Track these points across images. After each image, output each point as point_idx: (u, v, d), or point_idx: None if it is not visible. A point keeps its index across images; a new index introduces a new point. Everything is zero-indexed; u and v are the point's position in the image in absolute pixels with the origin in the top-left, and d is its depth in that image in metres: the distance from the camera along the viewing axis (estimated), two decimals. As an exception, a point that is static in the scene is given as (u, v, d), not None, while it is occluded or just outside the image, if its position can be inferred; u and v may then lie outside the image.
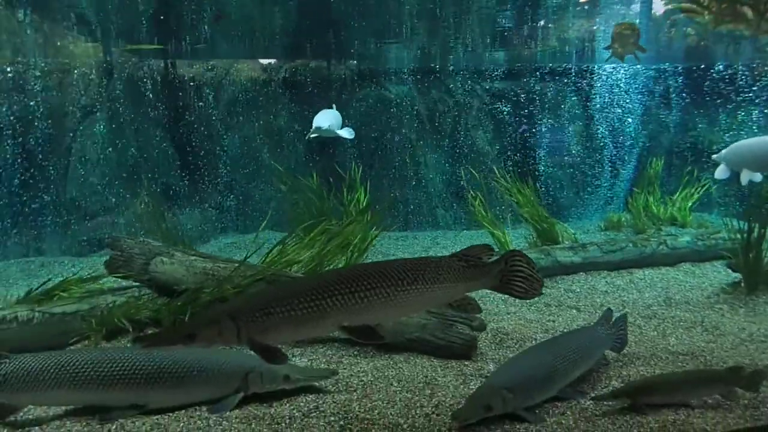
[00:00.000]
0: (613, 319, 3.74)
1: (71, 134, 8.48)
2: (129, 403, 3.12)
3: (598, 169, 11.05)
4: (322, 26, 10.47)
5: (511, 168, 8.92)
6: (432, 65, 11.61)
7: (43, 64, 8.56)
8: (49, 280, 4.58)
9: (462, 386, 3.43)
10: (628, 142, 11.27)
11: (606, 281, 5.96)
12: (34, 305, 4.26)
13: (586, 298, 5.34)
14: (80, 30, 9.32)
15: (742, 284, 5.29)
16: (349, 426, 2.94)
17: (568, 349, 3.30)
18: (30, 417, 3.21)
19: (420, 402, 3.19)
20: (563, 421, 2.97)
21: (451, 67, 11.48)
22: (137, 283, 4.80)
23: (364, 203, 7.63)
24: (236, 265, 4.44)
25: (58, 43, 9.13)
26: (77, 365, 3.07)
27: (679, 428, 2.91)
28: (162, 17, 9.11)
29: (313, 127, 6.90)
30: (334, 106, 7.86)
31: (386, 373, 3.64)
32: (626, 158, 11.27)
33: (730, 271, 5.52)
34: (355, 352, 4.09)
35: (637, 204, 9.31)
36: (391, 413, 3.06)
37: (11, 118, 8.14)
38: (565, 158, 11.01)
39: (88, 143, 8.52)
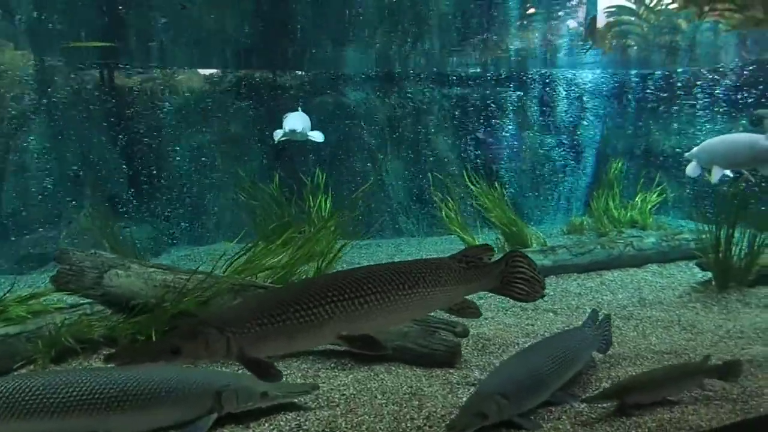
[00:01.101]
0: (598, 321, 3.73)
1: (7, 143, 7.94)
2: (88, 431, 2.84)
3: (558, 174, 11.28)
4: (277, 31, 10.28)
5: (473, 173, 8.98)
6: (391, 70, 11.61)
7: None
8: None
9: (450, 395, 3.32)
10: (586, 147, 11.57)
11: (577, 283, 6.01)
12: (-29, 327, 3.88)
13: (561, 301, 5.35)
14: (12, 33, 8.79)
15: (713, 283, 5.43)
16: (336, 444, 2.77)
17: (559, 352, 3.25)
18: (-30, 453, 2.88)
19: (409, 414, 3.06)
20: (560, 426, 2.91)
21: (411, 72, 11.51)
22: (88, 300, 4.48)
23: (327, 211, 7.48)
24: (199, 276, 4.20)
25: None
26: (27, 391, 2.77)
27: (675, 426, 2.89)
28: (107, 20, 8.71)
29: (286, 130, 6.72)
30: (300, 108, 7.69)
31: (368, 386, 3.49)
32: (585, 162, 11.56)
33: (699, 270, 5.67)
34: (332, 365, 3.92)
35: (598, 207, 9.53)
36: (380, 428, 2.92)
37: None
38: (526, 163, 11.19)
39: (26, 153, 8.00)
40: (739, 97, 10.32)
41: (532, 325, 4.68)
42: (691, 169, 5.41)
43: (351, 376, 3.67)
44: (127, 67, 9.74)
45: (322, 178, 7.72)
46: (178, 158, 9.56)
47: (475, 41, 11.62)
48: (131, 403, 2.87)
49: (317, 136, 7.14)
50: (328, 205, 7.68)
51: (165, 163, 9.49)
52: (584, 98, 11.74)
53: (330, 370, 3.84)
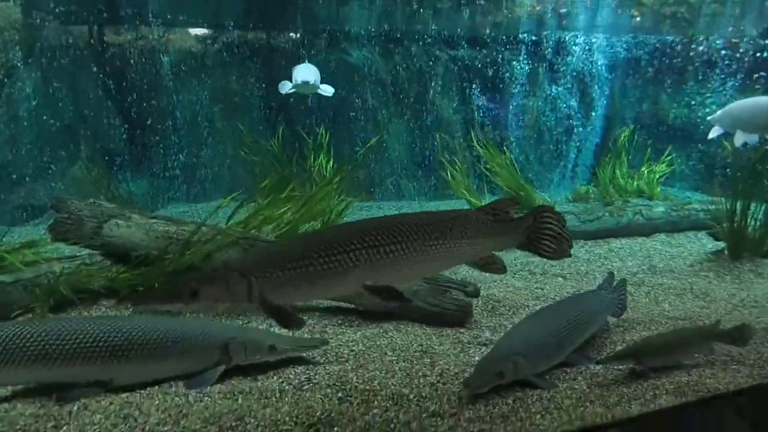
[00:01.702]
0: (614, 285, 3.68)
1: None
2: (91, 379, 2.78)
3: (564, 141, 11.15)
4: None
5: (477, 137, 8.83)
6: (395, 29, 11.31)
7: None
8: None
9: (462, 354, 3.28)
10: (594, 114, 11.41)
11: (585, 250, 5.96)
12: (-35, 273, 3.79)
13: (570, 267, 5.30)
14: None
15: (726, 252, 5.39)
16: (349, 398, 2.73)
17: (575, 313, 3.20)
18: (-31, 399, 2.82)
19: (421, 371, 3.01)
20: (576, 387, 2.87)
21: (416, 32, 11.22)
22: (85, 251, 4.38)
23: (329, 170, 7.36)
24: (203, 228, 4.10)
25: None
26: (27, 337, 2.70)
27: (693, 389, 2.87)
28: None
29: (298, 81, 6.47)
30: (306, 60, 7.46)
31: (378, 342, 3.44)
32: (592, 130, 11.42)
33: (713, 239, 5.63)
34: (339, 322, 3.87)
35: (604, 176, 9.44)
36: (392, 383, 2.87)
37: None
38: (531, 129, 11.04)
39: (17, 103, 7.77)
40: (752, 66, 10.15)
41: (542, 288, 4.64)
42: (714, 133, 5.30)
43: (359, 332, 3.62)
44: (120, 23, 9.41)
45: (326, 136, 7.56)
46: (175, 115, 9.36)
47: (483, 2, 11.34)
48: (136, 353, 2.81)
49: (327, 90, 6.92)
50: (330, 164, 7.55)
51: (162, 120, 9.29)
52: (593, 64, 11.52)
53: (337, 326, 3.79)
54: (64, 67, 8.36)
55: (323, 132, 7.45)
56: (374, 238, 2.07)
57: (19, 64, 7.91)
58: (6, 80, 7.81)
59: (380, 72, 10.84)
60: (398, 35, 11.02)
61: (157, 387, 2.85)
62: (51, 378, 2.75)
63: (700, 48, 11.00)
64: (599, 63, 11.41)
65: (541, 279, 4.93)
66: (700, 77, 10.97)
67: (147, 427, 2.46)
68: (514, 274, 5.05)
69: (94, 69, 8.72)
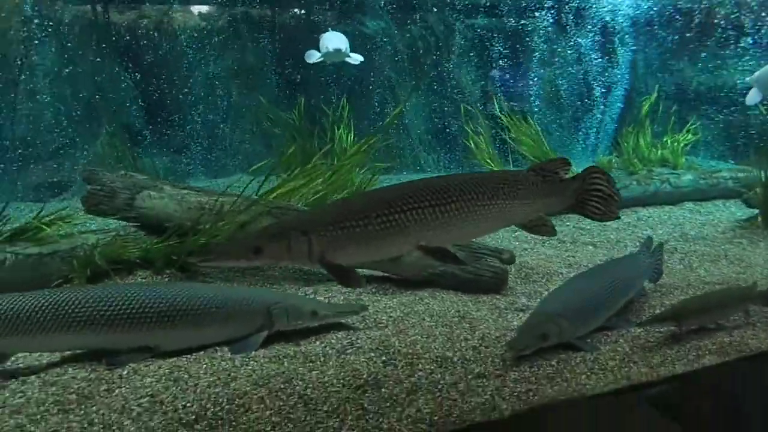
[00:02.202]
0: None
1: (17, 71, 7.74)
2: (138, 345, 2.85)
3: (586, 110, 11.00)
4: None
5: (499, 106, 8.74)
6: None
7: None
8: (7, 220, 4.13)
9: (500, 319, 3.31)
10: (616, 82, 11.23)
11: (614, 218, 5.92)
12: (4, 246, 3.85)
13: (600, 235, 5.29)
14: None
15: (759, 219, 5.34)
16: (393, 361, 2.77)
17: (615, 277, 3.21)
18: (20, 365, 2.90)
19: (462, 335, 3.04)
20: (618, 349, 2.89)
21: (432, 1, 11.05)
22: (117, 223, 4.44)
23: (349, 142, 7.32)
24: (236, 198, 4.13)
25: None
26: (77, 304, 2.75)
27: (736, 349, 2.89)
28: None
29: (329, 49, 6.33)
30: (331, 29, 7.37)
31: (415, 309, 3.48)
32: (614, 98, 11.25)
33: (746, 206, 5.58)
34: (373, 290, 3.91)
35: (627, 145, 9.32)
36: (435, 347, 2.91)
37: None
38: (552, 97, 10.90)
39: (38, 81, 7.80)
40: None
41: (573, 256, 4.64)
42: (751, 96, 5.21)
43: (395, 299, 3.66)
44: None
45: (347, 109, 7.52)
46: (193, 90, 9.35)
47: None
48: (181, 319, 2.86)
49: (356, 58, 6.80)
50: (350, 136, 7.52)
51: (180, 95, 9.29)
52: (615, 30, 11.30)
53: (372, 294, 3.83)
54: (83, 44, 8.37)
55: (344, 104, 7.39)
56: (430, 197, 2.08)
57: (36, 41, 7.92)
58: (25, 58, 7.84)
59: (397, 42, 10.72)
60: (414, 4, 10.87)
61: (202, 352, 2.91)
62: (99, 344, 2.82)
63: (722, 12, 10.74)
64: (621, 30, 11.18)
65: (572, 247, 4.93)
66: (727, 42, 10.73)
67: (198, 389, 2.52)
68: (544, 242, 5.04)
69: (112, 46, 8.71)
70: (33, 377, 2.71)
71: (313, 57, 6.70)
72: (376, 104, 10.26)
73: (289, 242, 1.94)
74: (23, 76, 7.81)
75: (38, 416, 2.37)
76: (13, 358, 2.89)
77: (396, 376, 2.63)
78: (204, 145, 9.40)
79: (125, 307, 2.79)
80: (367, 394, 2.49)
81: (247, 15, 9.94)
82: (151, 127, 8.89)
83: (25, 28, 7.90)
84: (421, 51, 10.74)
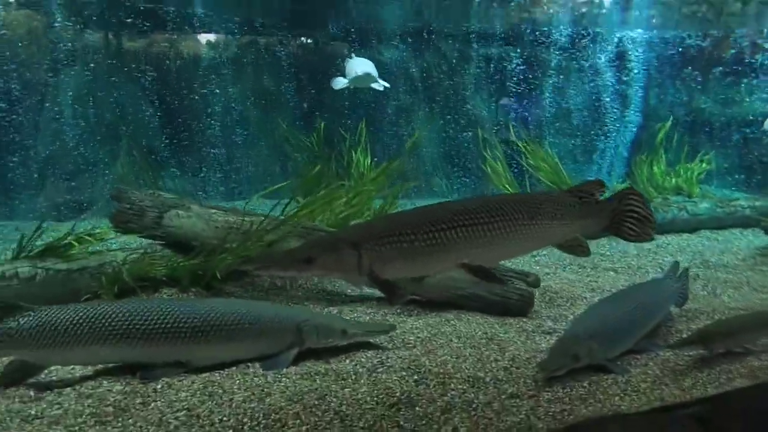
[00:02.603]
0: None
1: (43, 89, 7.95)
2: (172, 360, 2.88)
3: (599, 138, 11.11)
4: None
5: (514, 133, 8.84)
6: (427, 27, 11.38)
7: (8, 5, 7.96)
8: (41, 233, 4.21)
9: (528, 341, 3.32)
10: (629, 110, 11.35)
11: (633, 245, 5.94)
12: (35, 261, 3.93)
13: (621, 261, 5.32)
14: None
15: (780, 246, 5.37)
16: (425, 380, 2.79)
17: (643, 301, 3.24)
18: (54, 378, 2.94)
19: (492, 356, 3.06)
20: (649, 371, 2.90)
21: (448, 29, 11.28)
22: (146, 241, 4.52)
23: (366, 167, 7.42)
24: (262, 218, 4.20)
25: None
26: (113, 317, 2.81)
27: (766, 372, 2.89)
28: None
29: (359, 74, 6.40)
30: (353, 55, 7.53)
31: (442, 330, 3.50)
32: (627, 127, 11.36)
33: (764, 233, 5.60)
34: (398, 311, 3.94)
35: (641, 173, 9.38)
36: (465, 367, 2.93)
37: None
38: (565, 125, 11.02)
39: (62, 103, 8.00)
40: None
41: (596, 281, 4.66)
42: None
43: (421, 321, 3.68)
44: (160, 28, 9.60)
45: (364, 133, 7.64)
46: (211, 114, 9.54)
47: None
48: (215, 334, 2.90)
49: (382, 84, 6.89)
50: (367, 161, 7.62)
51: (198, 119, 9.47)
52: (627, 60, 11.47)
53: (397, 315, 3.86)
54: (105, 68, 8.59)
55: (361, 129, 7.51)
56: (475, 216, 2.14)
57: (61, 66, 8.14)
58: (50, 81, 8.05)
59: (411, 70, 10.93)
60: (430, 33, 11.10)
61: (234, 368, 2.94)
62: (134, 357, 2.86)
63: (738, 44, 10.91)
64: (635, 59, 11.35)
65: (593, 273, 4.95)
66: (738, 73, 10.87)
67: (233, 404, 2.55)
68: (564, 268, 5.08)
69: (134, 70, 8.93)
70: (68, 389, 2.74)
71: (340, 83, 6.80)
72: (391, 130, 10.41)
73: (340, 254, 2.00)
74: (47, 100, 8.00)
75: (76, 428, 2.40)
76: (46, 371, 2.93)
77: (429, 395, 2.65)
78: (221, 168, 9.54)
79: (160, 321, 2.84)
80: (401, 412, 2.50)
81: (265, 43, 10.20)
82: (169, 149, 9.05)
83: (50, 54, 8.13)
84: (435, 78, 10.93)
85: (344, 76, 6.80)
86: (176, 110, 9.19)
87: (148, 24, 9.22)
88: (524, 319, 3.70)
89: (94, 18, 8.70)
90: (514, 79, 10.85)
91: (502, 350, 3.14)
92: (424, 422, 2.42)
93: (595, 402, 2.61)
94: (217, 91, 9.61)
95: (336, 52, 10.36)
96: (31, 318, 2.75)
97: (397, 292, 2.08)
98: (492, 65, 10.93)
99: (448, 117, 10.60)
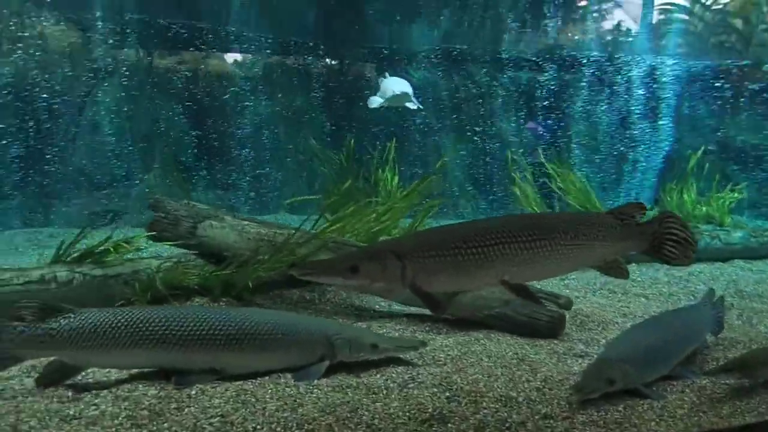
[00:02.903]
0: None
1: (81, 100, 8.22)
2: (206, 367, 2.92)
3: (627, 164, 11.04)
4: (341, 4, 10.34)
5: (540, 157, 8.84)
6: (457, 49, 11.50)
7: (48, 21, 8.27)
8: (82, 238, 4.33)
9: (560, 363, 3.30)
10: (658, 138, 11.28)
11: (663, 272, 5.88)
12: (72, 266, 4.03)
13: (651, 287, 5.25)
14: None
15: (817, 278, 5.26)
16: (457, 397, 2.78)
17: (680, 326, 3.20)
18: (90, 380, 3.00)
19: (524, 377, 3.04)
20: (686, 398, 2.85)
21: (477, 53, 11.39)
22: (177, 251, 4.61)
23: (394, 185, 7.47)
24: (293, 231, 4.26)
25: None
26: (151, 322, 2.86)
27: (809, 405, 2.82)
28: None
29: (396, 93, 6.49)
30: (387, 74, 7.65)
31: (472, 349, 3.49)
32: (655, 154, 11.27)
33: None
34: (427, 328, 3.94)
35: (671, 201, 9.28)
36: (497, 386, 2.91)
37: (10, 80, 7.86)
38: (593, 152, 10.98)
39: (97, 115, 8.26)
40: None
41: (627, 306, 4.61)
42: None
43: (450, 339, 3.68)
44: (192, 44, 9.87)
45: (392, 152, 7.71)
46: (240, 130, 9.74)
47: (544, 25, 11.48)
48: (249, 343, 2.94)
49: (415, 103, 6.97)
50: (395, 179, 7.68)
51: (227, 134, 9.68)
52: (656, 87, 11.43)
53: (426, 333, 3.86)
54: (140, 84, 8.86)
55: (390, 147, 7.58)
56: (518, 233, 2.16)
57: (96, 81, 8.42)
58: (87, 95, 8.33)
59: (440, 92, 11.04)
60: (460, 55, 11.21)
61: (267, 377, 2.97)
62: (169, 363, 2.90)
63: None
64: (664, 86, 11.31)
65: (624, 298, 4.90)
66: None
67: (266, 413, 2.57)
68: (594, 292, 5.03)
69: (167, 85, 9.20)
70: (105, 392, 2.79)
71: (375, 102, 6.88)
72: (418, 150, 10.50)
73: (385, 265, 2.03)
74: (84, 113, 8.26)
75: (113, 429, 2.44)
76: (83, 373, 2.99)
77: (461, 413, 2.64)
78: (249, 182, 9.70)
79: (196, 328, 2.88)
80: (434, 428, 2.50)
81: (296, 61, 10.41)
82: (199, 163, 9.25)
83: (87, 68, 8.42)
84: (463, 100, 11.02)
85: (378, 95, 6.90)
86: (207, 125, 9.41)
87: (182, 41, 9.51)
88: (555, 341, 3.67)
89: (131, 34, 9.00)
90: (543, 103, 10.88)
91: (533, 371, 3.12)
92: (457, 439, 2.41)
93: (630, 426, 2.58)
94: (248, 106, 9.82)
95: (366, 72, 10.52)
96: (71, 319, 2.82)
97: (440, 303, 2.09)
98: (521, 89, 10.99)
99: (476, 139, 10.65)
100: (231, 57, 10.09)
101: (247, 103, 9.84)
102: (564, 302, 3.81)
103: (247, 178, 9.65)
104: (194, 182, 8.87)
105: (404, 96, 6.48)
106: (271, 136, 9.93)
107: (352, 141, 7.64)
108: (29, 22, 8.18)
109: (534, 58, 11.40)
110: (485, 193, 10.35)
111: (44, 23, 8.35)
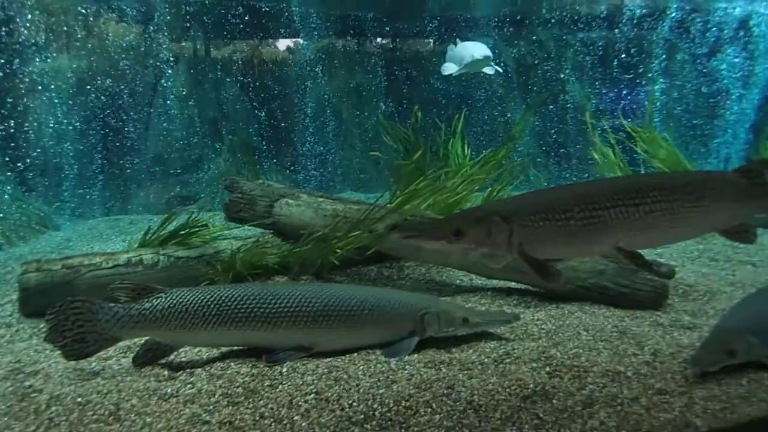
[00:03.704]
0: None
1: (152, 89, 8.47)
2: (295, 344, 2.91)
3: (716, 124, 10.32)
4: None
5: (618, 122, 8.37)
6: (520, 13, 11.05)
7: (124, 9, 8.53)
8: (172, 220, 4.46)
9: (668, 336, 3.08)
10: (749, 93, 10.46)
11: (768, 236, 5.44)
12: (157, 249, 4.15)
13: (758, 253, 4.86)
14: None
15: None
16: (558, 372, 2.64)
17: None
18: (183, 359, 3.06)
19: (630, 350, 2.86)
20: (818, 373, 2.60)
21: (543, 14, 10.90)
22: (252, 229, 4.65)
23: (467, 157, 7.28)
24: (369, 207, 4.19)
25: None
26: (240, 300, 2.87)
27: None
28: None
29: (478, 57, 6.15)
30: (458, 40, 7.40)
31: (566, 322, 3.33)
32: (746, 113, 10.47)
33: None
34: (515, 302, 3.81)
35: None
36: (601, 361, 2.75)
37: (90, 73, 8.17)
38: (673, 117, 10.31)
39: (168, 102, 8.49)
40: None
41: (733, 275, 4.28)
42: None
43: (541, 312, 3.53)
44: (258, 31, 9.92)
45: (461, 124, 7.50)
46: (305, 111, 9.78)
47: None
48: (337, 319, 2.90)
49: (494, 68, 6.61)
50: (465, 150, 7.48)
51: (293, 116, 9.75)
52: (748, 38, 10.55)
53: (513, 306, 3.73)
54: (206, 70, 9.04)
55: (458, 118, 7.37)
56: (634, 196, 1.98)
57: (169, 70, 8.64)
58: (158, 82, 8.57)
59: (505, 58, 10.67)
60: (525, 19, 10.78)
61: (355, 354, 2.93)
62: (259, 341, 2.91)
63: None
64: (757, 36, 10.44)
65: (727, 266, 4.55)
66: None
67: (361, 389, 2.53)
68: (693, 260, 4.72)
69: (231, 70, 9.34)
70: (199, 370, 2.84)
71: (450, 69, 6.58)
72: (485, 120, 10.23)
73: (491, 229, 1.91)
74: (154, 104, 8.51)
75: (210, 407, 2.47)
76: (175, 353, 3.05)
77: (565, 388, 2.50)
78: (314, 163, 9.77)
79: (285, 305, 2.87)
80: (538, 405, 2.38)
81: (358, 36, 10.32)
82: (265, 145, 9.37)
83: (154, 59, 8.64)
84: (530, 66, 10.62)
85: (453, 61, 6.60)
86: (272, 107, 9.51)
87: (244, 23, 9.59)
88: (657, 313, 3.44)
89: (193, 20, 9.16)
90: (620, 63, 10.31)
91: (639, 344, 2.93)
92: (566, 415, 2.28)
93: (757, 401, 2.37)
94: (311, 86, 9.84)
95: (430, 43, 10.30)
96: (163, 299, 2.87)
97: (551, 270, 1.95)
98: (591, 50, 10.45)
99: (549, 105, 10.24)
100: (294, 35, 10.10)
101: (309, 83, 9.86)
102: (666, 271, 3.56)
103: (312, 158, 9.71)
104: (261, 165, 9.01)
105: (485, 60, 6.14)
106: (336, 113, 9.92)
107: (419, 115, 7.47)
108: (94, 17, 8.47)
109: (606, 16, 10.80)
110: (559, 160, 9.97)
111: (109, 15, 8.62)
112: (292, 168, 9.69)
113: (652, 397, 2.41)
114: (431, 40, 10.95)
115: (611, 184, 2.09)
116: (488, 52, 6.14)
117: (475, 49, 6.17)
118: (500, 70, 6.82)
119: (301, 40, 10.08)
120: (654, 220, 1.99)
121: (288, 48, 10.24)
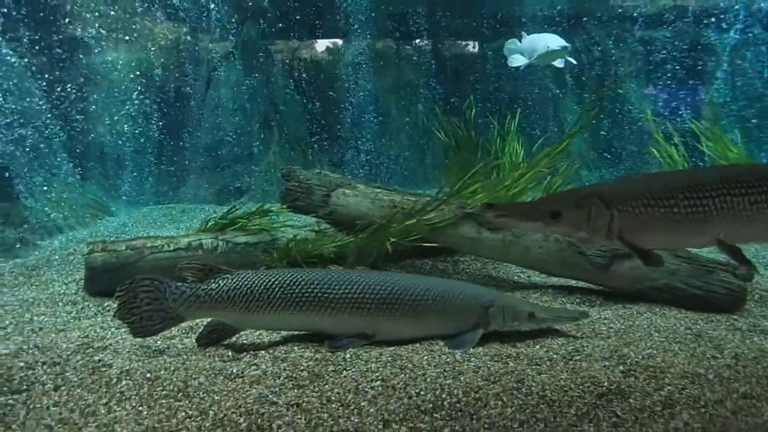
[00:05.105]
0: None
1: (206, 83, 8.65)
2: (357, 331, 2.90)
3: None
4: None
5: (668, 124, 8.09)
6: (575, 10, 10.84)
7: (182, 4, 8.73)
8: (235, 208, 4.54)
9: (747, 341, 2.94)
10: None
11: None
12: (217, 234, 4.21)
13: (837, 261, 4.62)
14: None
15: None
16: (633, 372, 2.54)
17: None
18: (245, 342, 3.09)
19: (708, 353, 2.74)
20: None
21: (598, 12, 10.66)
22: (308, 219, 4.68)
23: (521, 155, 7.16)
24: (427, 198, 4.16)
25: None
26: (304, 285, 2.88)
27: None
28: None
29: (554, 47, 6.01)
30: (525, 33, 7.30)
31: (636, 322, 3.22)
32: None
33: None
34: (578, 300, 3.71)
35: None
36: (678, 362, 2.64)
37: (147, 65, 8.39)
38: (742, 110, 9.90)
39: (222, 91, 8.65)
40: None
41: (811, 281, 4.07)
42: None
43: (608, 311, 3.42)
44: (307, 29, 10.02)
45: (516, 121, 7.39)
46: (354, 108, 9.83)
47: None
48: (400, 308, 2.88)
49: (564, 61, 6.45)
50: (519, 147, 7.37)
51: (342, 112, 9.81)
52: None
53: (577, 305, 3.63)
54: (260, 66, 9.18)
55: (512, 116, 7.27)
56: (744, 184, 1.87)
57: (222, 63, 8.80)
58: (212, 75, 8.74)
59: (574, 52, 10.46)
60: (581, 17, 10.56)
61: (419, 344, 2.90)
62: (321, 325, 2.91)
63: None
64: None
65: (804, 272, 4.34)
66: None
67: (427, 379, 2.49)
68: (766, 266, 4.51)
69: (283, 67, 9.46)
70: (262, 352, 2.86)
71: (519, 60, 6.45)
72: (537, 119, 10.07)
73: (591, 212, 1.84)
74: (207, 100, 8.69)
75: (276, 389, 2.47)
76: (237, 336, 3.08)
77: (641, 388, 2.41)
78: (361, 158, 9.80)
79: (348, 291, 2.86)
80: (614, 403, 2.30)
81: (409, 33, 10.30)
82: (314, 140, 9.46)
83: (213, 51, 8.82)
84: (586, 65, 10.39)
85: (521, 53, 6.47)
86: (322, 102, 9.58)
87: (295, 20, 9.70)
88: (734, 317, 3.30)
89: (248, 17, 9.31)
90: (682, 62, 9.98)
91: (717, 348, 2.80)
92: (645, 415, 2.20)
93: None
94: (362, 82, 9.87)
95: (481, 40, 10.21)
96: (229, 280, 2.90)
97: (654, 255, 1.87)
98: (655, 48, 10.15)
99: (606, 103, 10.01)
100: (343, 33, 10.16)
101: (359, 79, 9.90)
102: (744, 273, 3.40)
103: (360, 153, 9.75)
104: (311, 158, 9.09)
105: (563, 50, 5.99)
106: (383, 110, 9.93)
107: (472, 111, 7.39)
108: (152, 11, 8.70)
109: (667, 15, 10.47)
110: (608, 162, 9.73)
111: (166, 10, 8.84)
112: (339, 163, 9.75)
113: (738, 401, 2.30)
114: (481, 37, 10.84)
115: (716, 171, 1.99)
116: (565, 43, 5.99)
117: (550, 41, 6.03)
118: (574, 62, 6.66)
119: (351, 36, 10.12)
120: (758, 212, 1.88)
121: (338, 44, 10.29)
